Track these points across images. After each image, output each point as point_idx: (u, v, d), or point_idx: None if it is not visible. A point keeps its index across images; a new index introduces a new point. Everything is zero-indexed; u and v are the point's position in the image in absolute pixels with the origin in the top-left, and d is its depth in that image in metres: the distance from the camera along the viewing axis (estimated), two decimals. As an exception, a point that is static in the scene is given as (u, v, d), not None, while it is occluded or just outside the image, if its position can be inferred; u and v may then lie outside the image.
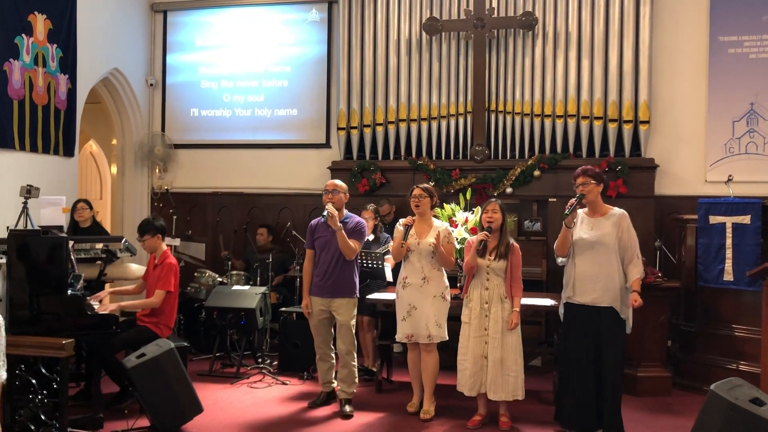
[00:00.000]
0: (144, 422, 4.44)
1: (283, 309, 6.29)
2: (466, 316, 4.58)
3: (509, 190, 6.78)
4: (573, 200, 4.25)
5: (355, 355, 4.93)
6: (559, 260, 4.45)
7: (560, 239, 4.34)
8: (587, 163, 5.87)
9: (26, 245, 4.28)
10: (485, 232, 4.50)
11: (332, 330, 5.00)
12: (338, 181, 4.99)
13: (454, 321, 4.84)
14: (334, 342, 5.01)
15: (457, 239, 4.99)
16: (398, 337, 4.82)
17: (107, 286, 5.75)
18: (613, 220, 4.28)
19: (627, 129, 6.61)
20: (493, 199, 4.69)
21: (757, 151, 6.48)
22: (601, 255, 4.24)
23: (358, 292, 4.96)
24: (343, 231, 4.72)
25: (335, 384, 5.04)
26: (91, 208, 6.16)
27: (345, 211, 4.94)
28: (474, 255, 4.50)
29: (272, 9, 7.84)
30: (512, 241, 4.63)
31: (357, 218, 4.99)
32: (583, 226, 4.33)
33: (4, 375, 2.98)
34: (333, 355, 5.04)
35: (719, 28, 6.59)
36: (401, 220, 4.78)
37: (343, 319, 4.85)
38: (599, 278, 4.23)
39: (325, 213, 4.68)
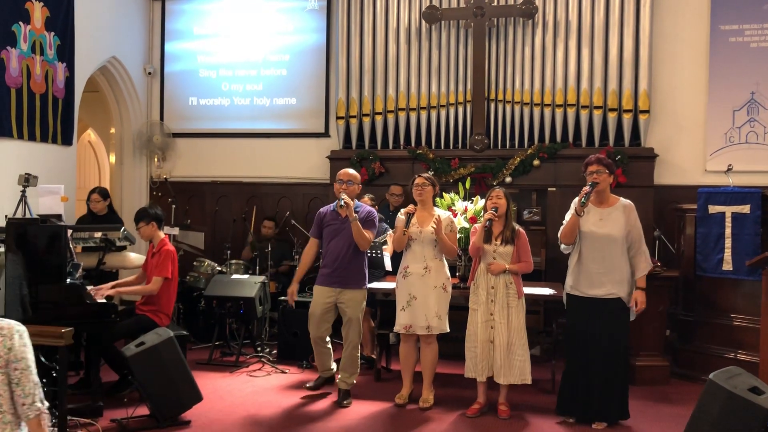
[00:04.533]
0: (143, 410, 4.44)
1: (283, 298, 6.29)
2: (474, 303, 4.57)
3: (508, 179, 6.76)
4: (587, 188, 4.21)
5: (359, 347, 4.91)
6: (565, 247, 4.41)
7: (568, 227, 4.30)
8: (587, 152, 5.85)
9: (25, 234, 4.27)
10: (492, 212, 4.48)
11: (330, 325, 4.93)
12: (352, 171, 4.93)
13: (457, 310, 4.83)
14: (333, 333, 4.98)
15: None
16: (396, 327, 4.79)
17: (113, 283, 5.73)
18: (621, 211, 4.27)
19: (627, 118, 6.59)
20: (498, 187, 4.70)
21: (757, 141, 6.46)
22: (612, 248, 4.23)
23: (367, 283, 4.90)
24: (358, 221, 4.63)
25: (334, 369, 5.00)
26: (105, 198, 6.17)
27: (355, 200, 4.86)
28: (481, 236, 4.49)
29: (271, -3, 7.80)
30: (517, 226, 4.62)
31: (368, 207, 4.91)
32: (590, 217, 4.29)
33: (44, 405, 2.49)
34: (329, 344, 5.00)
35: (720, 17, 6.55)
36: (402, 210, 4.77)
37: (352, 313, 4.77)
38: (611, 272, 4.23)
39: (342, 203, 4.56)
